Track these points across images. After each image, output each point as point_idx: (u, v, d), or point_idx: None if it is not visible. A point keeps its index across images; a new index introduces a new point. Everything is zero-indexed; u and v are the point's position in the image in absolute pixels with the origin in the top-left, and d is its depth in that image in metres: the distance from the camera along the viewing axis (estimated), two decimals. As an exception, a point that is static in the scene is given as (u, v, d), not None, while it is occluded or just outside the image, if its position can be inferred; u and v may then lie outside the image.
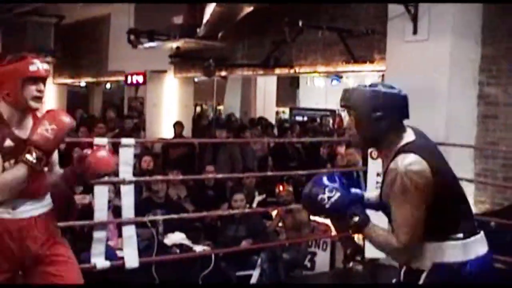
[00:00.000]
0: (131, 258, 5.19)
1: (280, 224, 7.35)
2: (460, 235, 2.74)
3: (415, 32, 6.88)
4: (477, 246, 2.76)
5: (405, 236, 2.68)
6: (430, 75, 6.82)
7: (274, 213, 7.52)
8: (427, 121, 6.69)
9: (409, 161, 2.66)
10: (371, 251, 5.79)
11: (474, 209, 6.78)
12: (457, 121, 6.83)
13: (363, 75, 11.18)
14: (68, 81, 16.24)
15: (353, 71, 9.39)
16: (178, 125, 11.50)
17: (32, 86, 3.16)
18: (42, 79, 3.21)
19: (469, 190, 6.91)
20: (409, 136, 2.79)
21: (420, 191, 2.64)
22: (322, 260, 7.18)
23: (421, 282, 2.75)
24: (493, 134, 6.90)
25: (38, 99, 3.19)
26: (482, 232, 2.82)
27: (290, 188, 7.43)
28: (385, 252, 2.84)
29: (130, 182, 5.23)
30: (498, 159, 6.85)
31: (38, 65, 3.18)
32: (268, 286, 6.18)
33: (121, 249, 5.39)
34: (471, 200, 6.86)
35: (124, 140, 5.28)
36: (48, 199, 3.41)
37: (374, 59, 8.35)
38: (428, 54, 6.85)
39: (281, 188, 7.50)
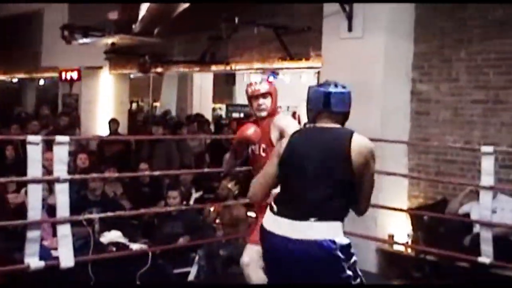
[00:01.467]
0: (66, 258, 5.11)
1: (217, 221, 7.34)
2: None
3: (350, 29, 6.97)
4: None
5: None
6: (365, 72, 6.91)
7: (212, 209, 7.51)
8: (362, 117, 6.81)
9: None
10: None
11: (408, 204, 6.99)
12: (392, 117, 6.95)
13: (300, 72, 11.25)
14: (0, 77, 15.85)
15: (288, 68, 9.44)
16: (113, 122, 11.37)
17: (254, 102, 4.51)
18: (260, 96, 4.48)
19: (403, 185, 7.05)
20: None
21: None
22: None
23: None
24: (425, 130, 7.05)
25: (260, 110, 4.49)
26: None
27: (229, 185, 7.43)
28: None
29: (65, 180, 5.16)
30: (430, 154, 7.01)
31: (249, 88, 4.53)
32: (205, 283, 6.17)
33: (56, 248, 5.30)
34: (405, 194, 7.03)
35: (59, 138, 5.19)
36: None
37: (309, 56, 8.40)
38: (362, 51, 6.95)
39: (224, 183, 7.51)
